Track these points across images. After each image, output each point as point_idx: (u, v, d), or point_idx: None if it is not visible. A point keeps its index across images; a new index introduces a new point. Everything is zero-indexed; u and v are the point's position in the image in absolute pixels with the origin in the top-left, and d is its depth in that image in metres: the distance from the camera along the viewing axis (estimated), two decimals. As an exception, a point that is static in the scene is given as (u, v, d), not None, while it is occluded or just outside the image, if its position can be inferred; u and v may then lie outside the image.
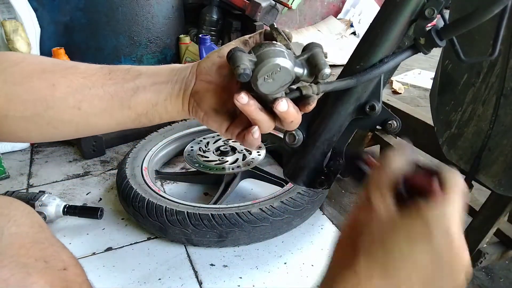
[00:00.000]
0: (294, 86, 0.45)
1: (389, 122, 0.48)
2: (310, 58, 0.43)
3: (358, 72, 0.46)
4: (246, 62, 0.41)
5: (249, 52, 0.43)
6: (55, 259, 0.41)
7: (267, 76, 0.41)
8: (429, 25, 0.42)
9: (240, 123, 0.50)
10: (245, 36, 0.49)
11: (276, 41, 0.45)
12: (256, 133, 0.47)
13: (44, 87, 0.45)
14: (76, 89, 0.46)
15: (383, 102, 0.48)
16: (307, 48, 0.44)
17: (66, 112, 0.46)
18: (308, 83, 0.44)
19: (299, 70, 0.43)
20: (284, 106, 0.43)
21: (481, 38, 0.78)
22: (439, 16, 0.43)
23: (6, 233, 0.39)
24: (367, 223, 0.38)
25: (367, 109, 0.48)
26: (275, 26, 0.46)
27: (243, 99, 0.43)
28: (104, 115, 0.47)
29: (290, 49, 0.44)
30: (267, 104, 0.45)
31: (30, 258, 0.39)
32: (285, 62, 0.41)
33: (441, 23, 0.40)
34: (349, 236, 0.39)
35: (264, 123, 0.46)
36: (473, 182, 0.89)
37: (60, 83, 0.45)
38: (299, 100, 0.44)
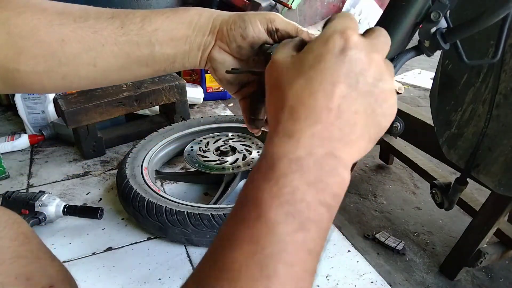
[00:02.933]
0: None
1: (394, 124, 0.48)
2: None
3: None
4: None
5: None
6: (40, 275, 0.38)
7: None
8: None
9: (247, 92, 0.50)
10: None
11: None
12: None
13: (53, 42, 0.42)
14: (89, 46, 0.43)
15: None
16: None
17: (81, 69, 0.44)
18: None
19: None
20: None
21: (481, 37, 0.78)
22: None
23: None
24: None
25: None
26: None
27: None
28: (121, 71, 0.46)
29: None
30: None
31: (9, 276, 0.35)
32: None
33: (443, 26, 0.40)
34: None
35: None
36: (473, 183, 0.89)
37: (70, 39, 0.42)
38: None
